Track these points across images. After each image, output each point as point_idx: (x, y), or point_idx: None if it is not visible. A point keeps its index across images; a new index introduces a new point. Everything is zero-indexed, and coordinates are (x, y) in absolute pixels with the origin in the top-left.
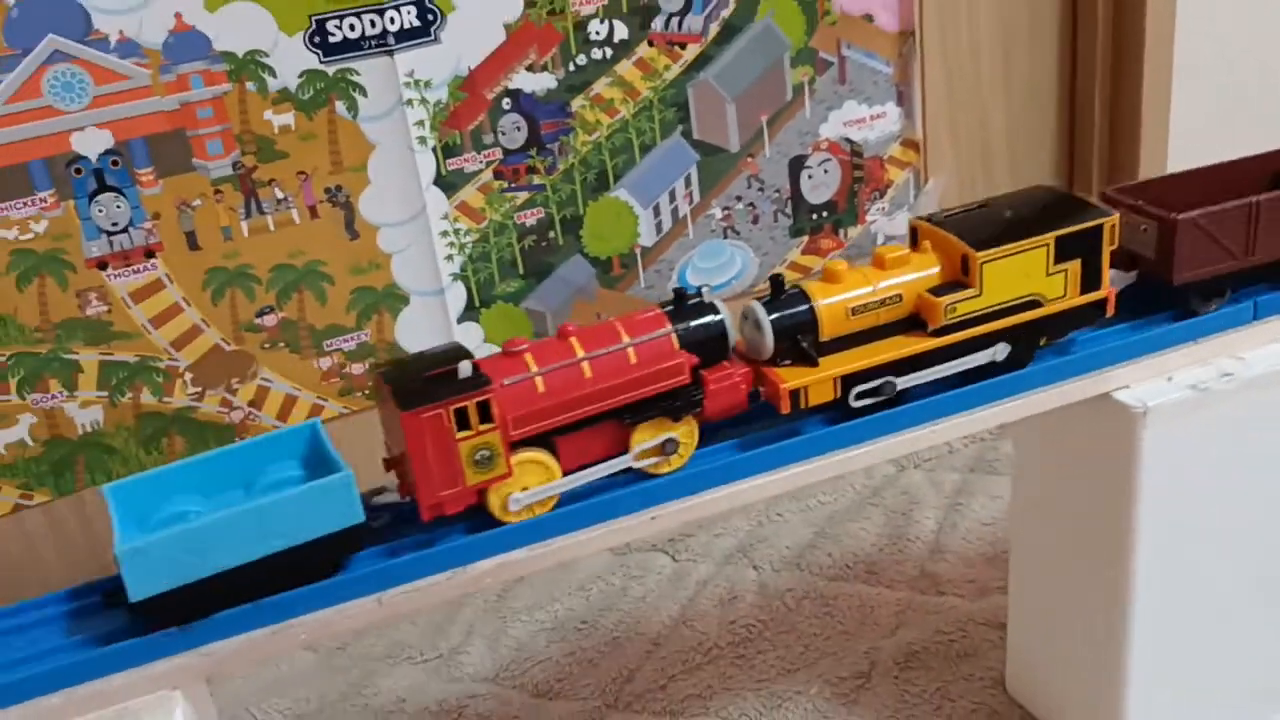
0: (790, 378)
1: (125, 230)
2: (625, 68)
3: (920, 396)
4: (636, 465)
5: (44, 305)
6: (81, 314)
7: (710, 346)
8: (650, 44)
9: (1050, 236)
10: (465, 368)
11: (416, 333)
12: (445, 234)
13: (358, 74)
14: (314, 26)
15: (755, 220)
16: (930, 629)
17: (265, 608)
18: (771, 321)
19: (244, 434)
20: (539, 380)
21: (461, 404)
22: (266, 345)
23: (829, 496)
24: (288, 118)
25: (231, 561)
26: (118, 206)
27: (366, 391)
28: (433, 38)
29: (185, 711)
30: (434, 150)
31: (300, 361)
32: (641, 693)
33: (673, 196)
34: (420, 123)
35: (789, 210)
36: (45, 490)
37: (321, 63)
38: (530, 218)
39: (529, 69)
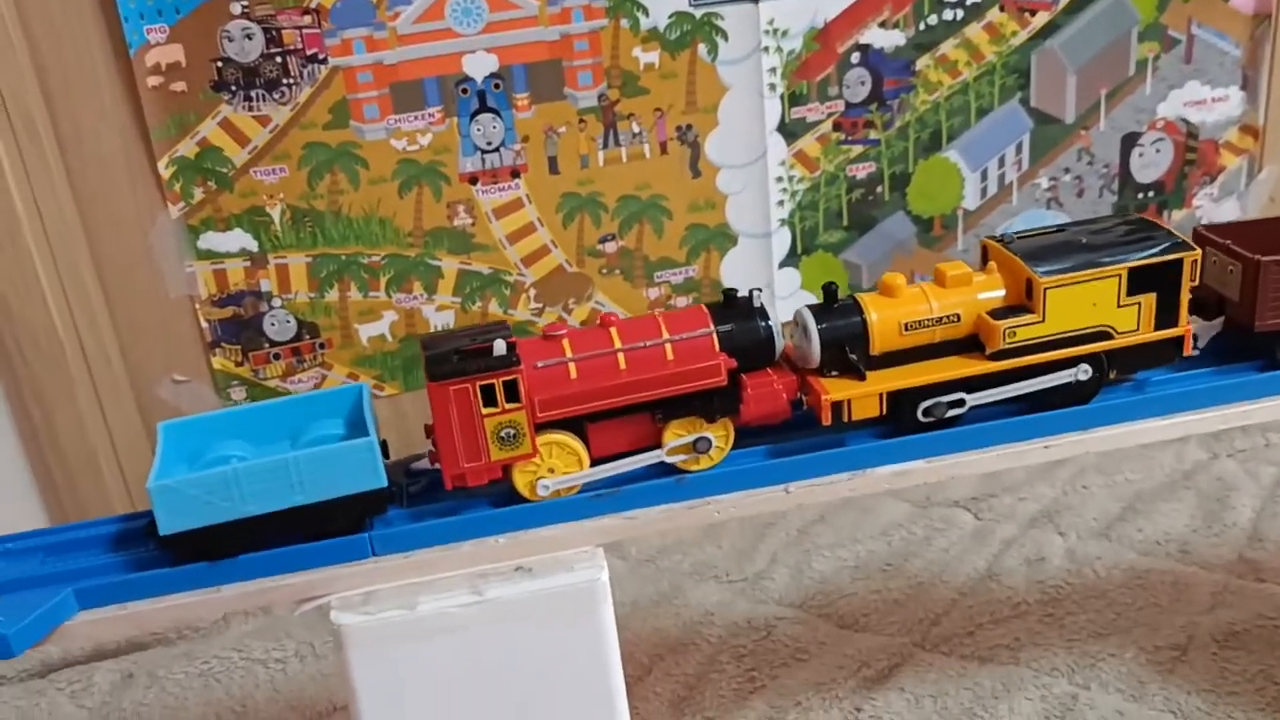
0: (835, 389)
1: (497, 150)
2: (974, 30)
3: (983, 418)
4: (668, 460)
5: (419, 213)
6: (449, 224)
7: (754, 350)
8: (1001, 8)
9: (1123, 267)
10: (500, 346)
11: (740, 273)
12: (780, 180)
13: (722, 19)
14: None
15: (1080, 194)
16: (1251, 612)
17: (282, 557)
18: (820, 330)
19: None
20: (572, 366)
21: (489, 380)
22: (604, 270)
23: (1136, 474)
24: (653, 56)
25: (255, 509)
26: (494, 127)
27: None
28: None
29: None
30: (781, 98)
31: (631, 290)
32: (949, 636)
33: (1001, 162)
34: (773, 70)
35: (1115, 187)
36: (395, 384)
37: (691, 5)
38: (861, 171)
39: (881, 25)
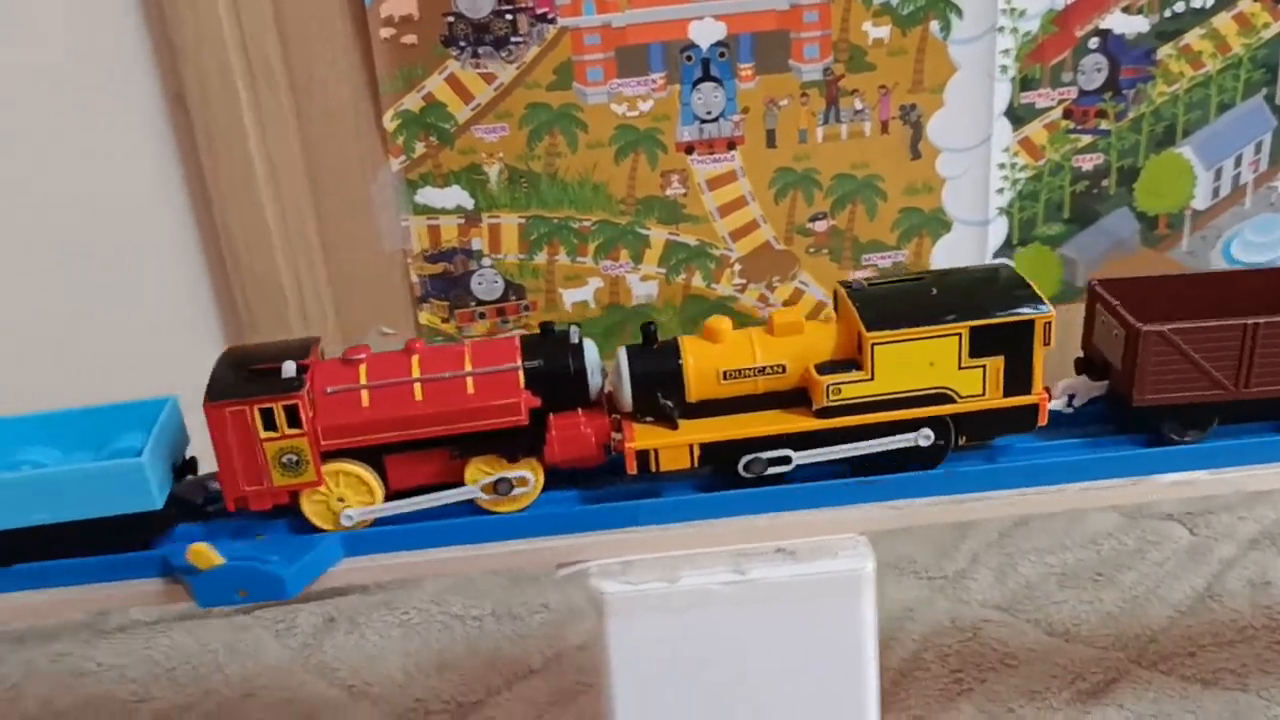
0: (642, 436)
1: (716, 120)
2: (1222, 20)
3: (812, 477)
4: (478, 498)
5: (632, 180)
6: (661, 193)
7: (564, 388)
8: None
9: (963, 326)
10: (289, 367)
11: (951, 261)
12: (1002, 166)
13: None
14: None
15: None
16: None
17: (53, 571)
18: (630, 373)
19: None
20: (365, 393)
21: (266, 404)
22: (811, 250)
23: None
24: (883, 31)
25: (22, 521)
26: (715, 96)
27: None
28: None
29: None
30: (1011, 81)
31: (838, 271)
32: (1168, 654)
33: (1238, 162)
34: (1006, 51)
35: None
36: None
37: None
38: (1087, 162)
39: (1124, 10)
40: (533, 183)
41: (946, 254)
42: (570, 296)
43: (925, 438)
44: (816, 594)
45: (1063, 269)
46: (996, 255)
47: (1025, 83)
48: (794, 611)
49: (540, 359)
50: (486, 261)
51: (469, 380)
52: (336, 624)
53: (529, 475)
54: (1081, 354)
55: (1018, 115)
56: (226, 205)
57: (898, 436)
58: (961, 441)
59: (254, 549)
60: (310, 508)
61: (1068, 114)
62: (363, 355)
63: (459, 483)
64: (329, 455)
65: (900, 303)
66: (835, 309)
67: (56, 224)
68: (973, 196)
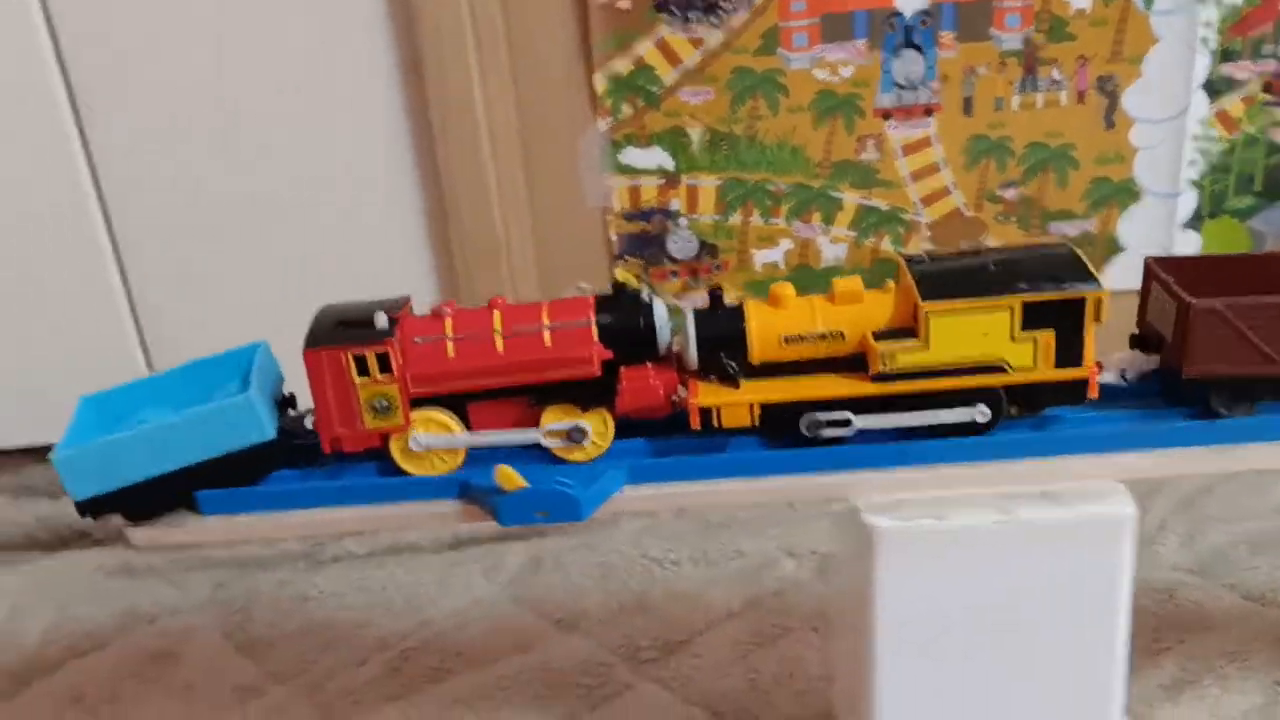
0: (705, 394)
1: (915, 87)
2: None
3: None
4: (545, 443)
5: (829, 144)
6: (856, 157)
7: (634, 344)
8: None
9: (1015, 300)
10: (381, 319)
11: (1139, 232)
12: (1196, 139)
13: None
14: None
15: None
16: None
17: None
18: (697, 334)
19: None
20: (450, 344)
21: (360, 351)
22: (999, 217)
23: None
24: (1085, 1)
25: (153, 471)
26: (915, 64)
27: None
28: None
29: None
30: (1212, 53)
31: (1025, 239)
32: None
33: None
34: (1208, 23)
35: None
36: None
37: None
38: None
39: None
40: (732, 145)
41: (1133, 225)
42: (761, 257)
43: (982, 414)
44: (1081, 537)
45: (1251, 242)
46: (1185, 227)
47: (1225, 55)
48: (1057, 553)
49: (612, 316)
50: (683, 221)
51: (546, 333)
52: (542, 564)
53: (604, 426)
54: (1136, 331)
55: (1215, 87)
56: (453, 167)
57: (958, 410)
58: (1013, 411)
59: (550, 474)
60: (397, 447)
61: (1267, 88)
62: (449, 310)
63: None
64: (416, 402)
65: (957, 276)
66: (895, 281)
67: (289, 178)
68: (1164, 168)
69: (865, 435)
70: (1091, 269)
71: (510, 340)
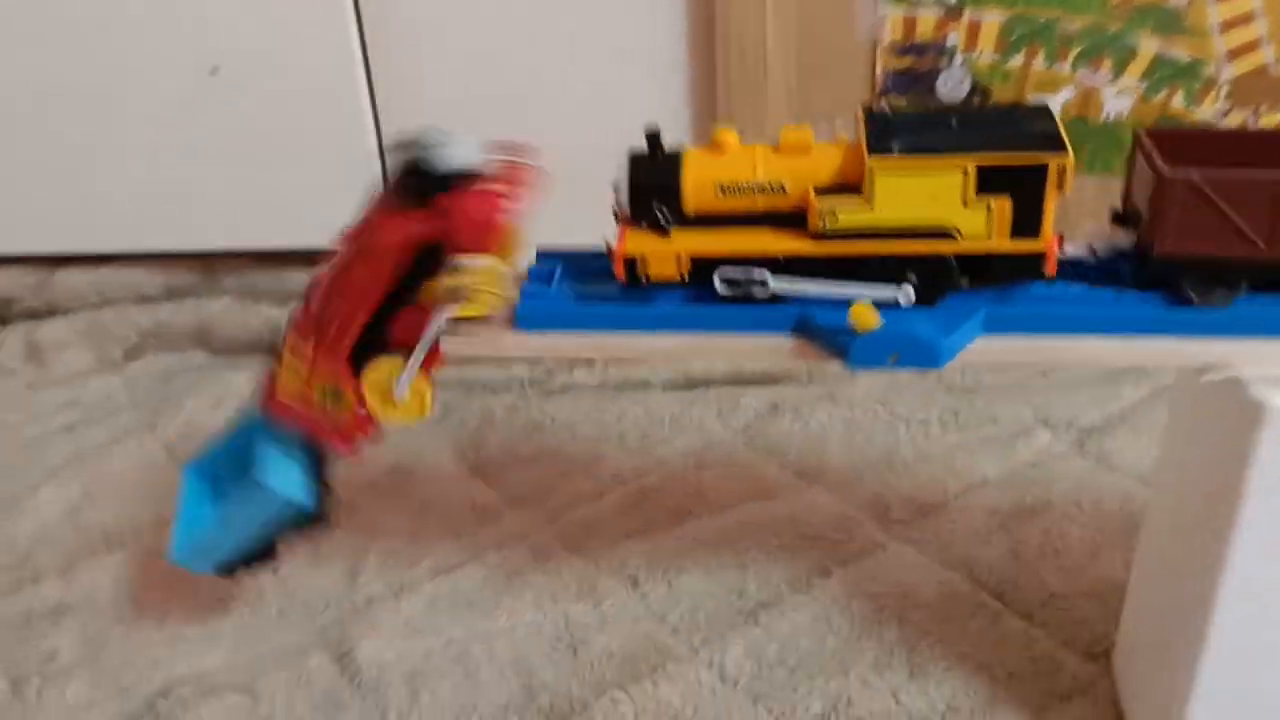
0: (633, 241)
1: None
2: None
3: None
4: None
5: None
6: (1165, 2)
7: None
8: None
9: (970, 160)
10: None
11: None
12: None
13: None
14: None
15: None
16: None
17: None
18: (630, 180)
19: None
20: None
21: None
22: None
23: None
24: None
25: (243, 543)
26: None
27: None
28: None
29: None
30: None
31: None
32: None
33: None
34: None
35: None
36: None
37: None
38: None
39: None
40: None
41: None
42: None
43: (906, 295)
44: None
45: None
46: None
47: None
48: None
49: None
50: (958, 59)
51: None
52: (780, 410)
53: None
54: (1121, 208)
55: None
56: None
57: (883, 286)
58: (964, 283)
59: (903, 317)
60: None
61: None
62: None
63: None
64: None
65: (915, 131)
66: (853, 134)
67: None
68: None
69: (1255, 302)
70: (1064, 134)
71: None
